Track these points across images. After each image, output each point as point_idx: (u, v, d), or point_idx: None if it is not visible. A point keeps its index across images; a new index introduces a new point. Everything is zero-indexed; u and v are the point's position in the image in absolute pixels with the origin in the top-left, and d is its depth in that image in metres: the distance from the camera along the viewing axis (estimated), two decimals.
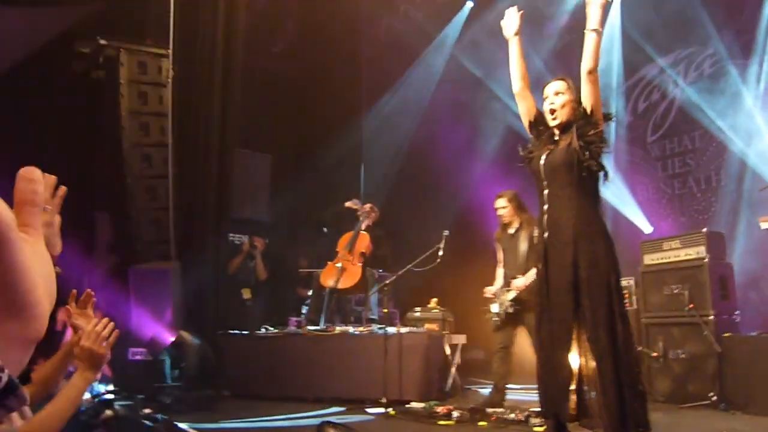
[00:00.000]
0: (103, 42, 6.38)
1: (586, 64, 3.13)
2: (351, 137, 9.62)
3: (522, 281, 4.91)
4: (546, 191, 3.28)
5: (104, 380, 5.15)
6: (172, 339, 5.98)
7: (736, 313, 5.68)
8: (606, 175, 3.26)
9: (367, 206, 6.78)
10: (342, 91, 9.59)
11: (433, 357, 5.94)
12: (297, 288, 7.88)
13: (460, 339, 6.51)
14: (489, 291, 5.22)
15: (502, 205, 5.23)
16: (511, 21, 3.40)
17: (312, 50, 9.30)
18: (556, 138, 3.31)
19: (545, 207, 3.29)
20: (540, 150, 3.33)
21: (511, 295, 5.01)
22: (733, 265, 5.89)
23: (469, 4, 9.19)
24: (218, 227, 6.62)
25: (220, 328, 6.51)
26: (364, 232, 6.60)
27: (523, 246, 5.05)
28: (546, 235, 3.27)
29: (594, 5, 3.11)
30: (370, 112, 9.88)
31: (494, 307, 5.14)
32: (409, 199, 9.46)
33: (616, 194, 7.55)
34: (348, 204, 6.88)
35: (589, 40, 3.11)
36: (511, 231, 5.23)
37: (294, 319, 6.62)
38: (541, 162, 3.28)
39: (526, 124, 3.45)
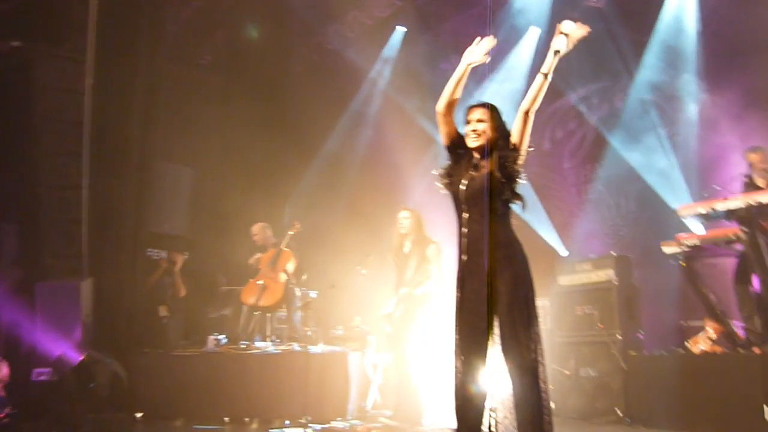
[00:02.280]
0: (17, 44, 6.05)
1: (525, 103, 3.26)
2: (278, 152, 9.55)
3: (405, 290, 5.00)
4: (465, 215, 3.34)
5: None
6: (81, 359, 5.70)
7: (641, 332, 6.02)
8: (524, 205, 3.37)
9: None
10: (269, 107, 9.51)
11: (355, 376, 5.94)
12: (215, 305, 7.69)
13: (383, 357, 6.54)
14: (383, 313, 5.30)
15: (405, 216, 5.37)
16: (480, 50, 3.34)
17: (240, 63, 9.20)
18: (476, 162, 3.38)
19: (464, 230, 3.34)
20: (460, 174, 3.39)
21: (399, 312, 5.10)
22: (639, 286, 6.24)
23: (401, 29, 9.35)
24: (135, 242, 6.39)
25: (134, 347, 6.25)
26: (286, 250, 6.55)
27: (412, 264, 5.18)
28: (464, 258, 3.33)
29: (552, 51, 3.25)
30: (298, 129, 9.84)
31: (387, 328, 5.23)
32: (335, 217, 9.45)
33: (534, 217, 7.86)
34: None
35: (536, 82, 3.24)
36: (405, 250, 5.35)
37: (213, 337, 6.45)
38: (462, 188, 3.35)
39: (444, 144, 3.51)
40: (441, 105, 3.40)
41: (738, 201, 4.92)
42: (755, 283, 5.04)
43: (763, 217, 4.96)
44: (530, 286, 3.26)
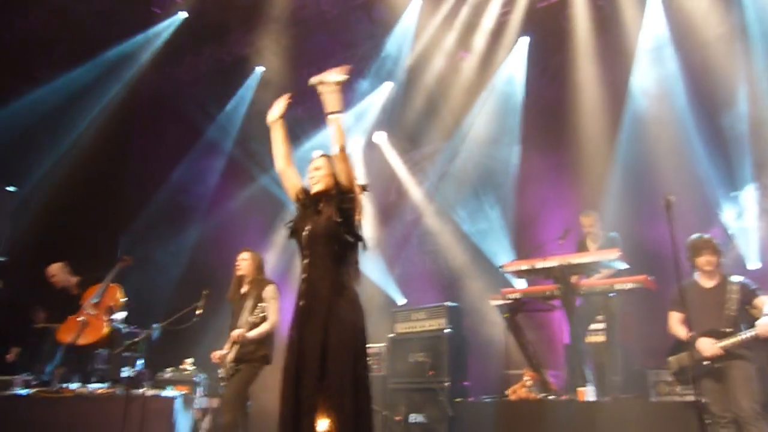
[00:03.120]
0: None
1: (333, 146, 3.38)
2: (119, 179, 9.02)
3: (238, 331, 4.92)
4: (306, 260, 3.41)
5: None
6: None
7: (467, 380, 6.36)
8: (364, 245, 3.49)
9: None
10: (114, 132, 9.00)
11: (181, 422, 5.62)
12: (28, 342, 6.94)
13: (213, 402, 6.27)
14: (216, 355, 5.12)
15: (244, 258, 5.32)
16: (276, 107, 3.61)
17: (87, 85, 8.62)
18: (320, 209, 3.49)
19: (304, 276, 3.39)
20: (304, 221, 3.48)
21: (232, 355, 4.98)
22: (468, 336, 6.61)
23: (260, 69, 9.35)
24: None
25: None
26: (114, 284, 6.13)
27: (248, 305, 5.11)
28: (301, 303, 3.36)
29: (325, 93, 3.40)
30: (142, 158, 9.39)
31: (221, 372, 5.07)
32: (174, 252, 9.04)
33: (374, 265, 8.10)
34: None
35: (331, 125, 3.37)
36: (243, 290, 5.30)
37: (21, 378, 5.81)
38: (305, 233, 3.43)
39: (291, 198, 3.62)
40: (278, 163, 3.58)
41: (554, 261, 5.42)
42: (565, 335, 5.55)
43: (577, 275, 5.53)
44: (361, 334, 3.34)
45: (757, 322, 4.19)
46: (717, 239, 4.56)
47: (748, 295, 4.36)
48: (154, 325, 6.27)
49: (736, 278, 4.49)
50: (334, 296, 3.31)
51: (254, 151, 9.05)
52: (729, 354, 4.21)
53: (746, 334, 4.20)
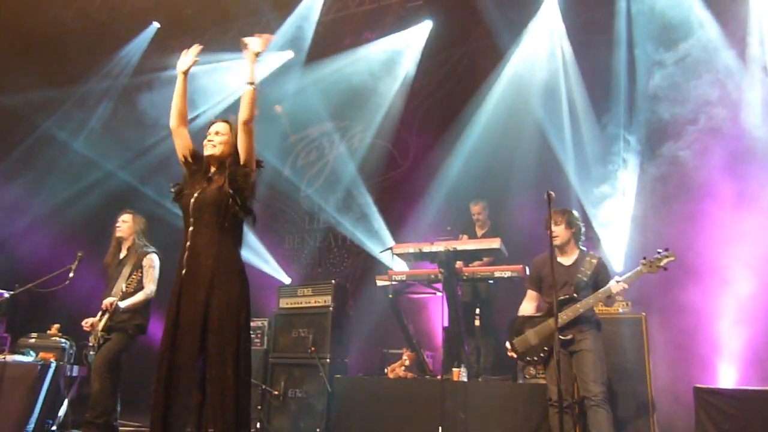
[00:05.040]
0: None
1: (242, 115, 3.31)
2: None
3: (110, 299, 4.72)
4: (191, 228, 3.29)
5: None
6: None
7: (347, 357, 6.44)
8: (254, 220, 3.43)
9: None
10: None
11: (44, 389, 5.28)
12: None
13: (81, 371, 5.95)
14: (87, 322, 4.87)
15: (125, 219, 5.08)
16: (186, 59, 3.49)
17: None
18: (210, 176, 3.38)
19: (187, 243, 3.28)
20: (192, 188, 3.36)
21: (102, 323, 4.77)
22: (353, 314, 6.69)
23: (155, 25, 8.87)
24: None
25: None
26: None
27: (125, 272, 4.90)
28: (183, 272, 3.26)
29: (247, 61, 3.38)
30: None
31: (91, 340, 4.84)
32: (49, 207, 8.45)
33: (264, 239, 7.98)
34: None
35: (246, 93, 3.32)
36: (121, 255, 5.07)
37: None
38: (192, 199, 3.31)
39: (180, 158, 3.48)
40: (172, 120, 3.45)
41: (440, 246, 5.59)
42: (445, 318, 5.75)
43: (463, 261, 5.73)
44: (244, 307, 3.29)
45: (609, 282, 4.17)
46: (569, 213, 4.43)
47: (603, 272, 4.32)
48: (17, 286, 5.86)
49: (595, 254, 4.47)
50: (219, 266, 3.24)
51: (139, 106, 8.61)
52: (579, 327, 4.23)
53: (599, 294, 4.16)
